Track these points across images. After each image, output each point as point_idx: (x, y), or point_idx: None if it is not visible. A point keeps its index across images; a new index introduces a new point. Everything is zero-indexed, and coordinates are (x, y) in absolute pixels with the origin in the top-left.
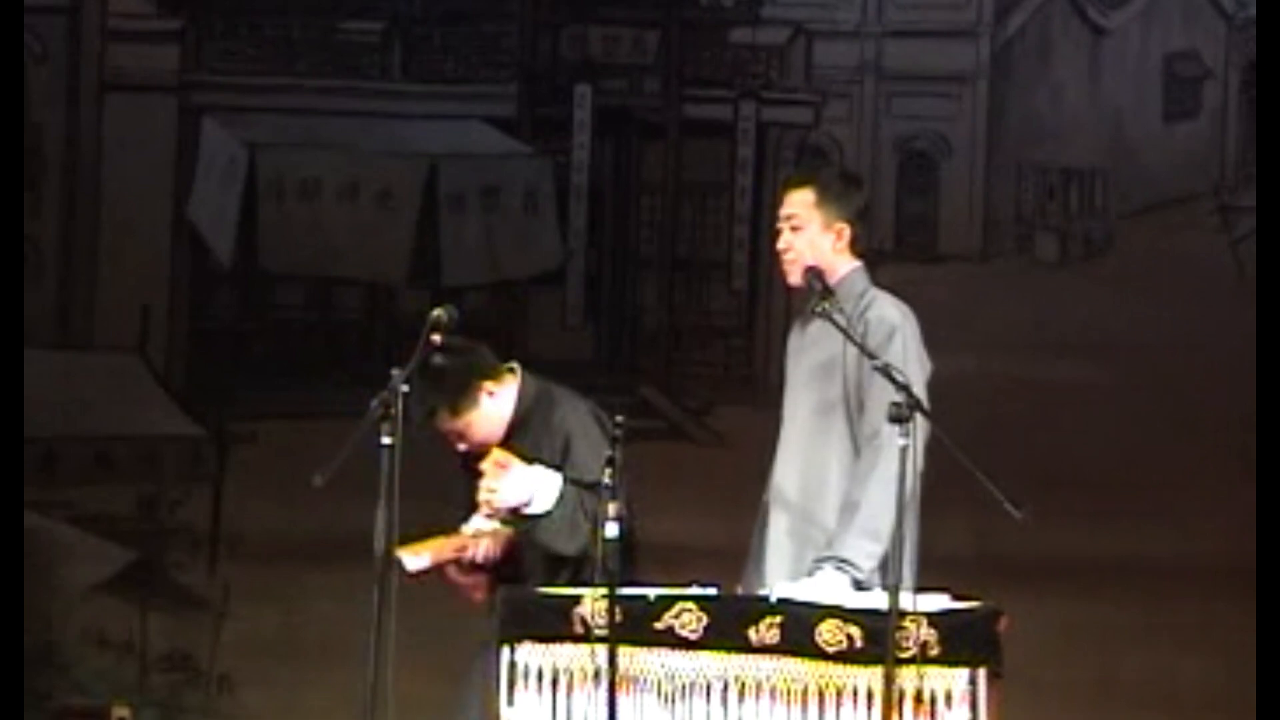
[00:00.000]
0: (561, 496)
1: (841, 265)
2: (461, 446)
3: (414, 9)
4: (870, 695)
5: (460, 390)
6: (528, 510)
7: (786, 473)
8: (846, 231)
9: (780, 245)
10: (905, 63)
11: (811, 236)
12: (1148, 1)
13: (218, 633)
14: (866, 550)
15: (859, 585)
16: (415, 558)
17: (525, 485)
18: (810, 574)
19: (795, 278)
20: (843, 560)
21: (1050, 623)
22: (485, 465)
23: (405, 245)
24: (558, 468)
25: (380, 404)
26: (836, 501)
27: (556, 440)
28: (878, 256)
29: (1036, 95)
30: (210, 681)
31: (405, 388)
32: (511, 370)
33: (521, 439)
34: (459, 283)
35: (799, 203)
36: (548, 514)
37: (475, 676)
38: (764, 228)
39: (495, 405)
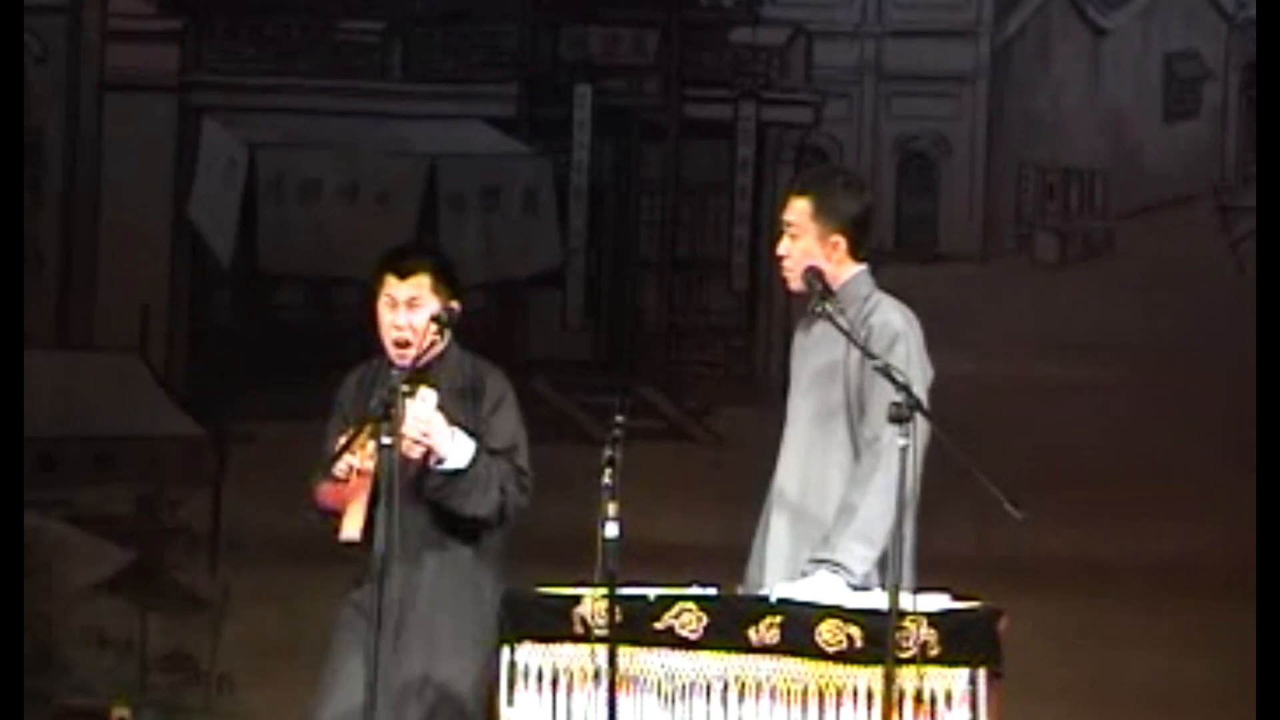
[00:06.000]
0: (475, 459)
1: (844, 271)
2: (396, 331)
3: (414, 9)
4: (870, 695)
5: (450, 269)
6: (440, 467)
7: (788, 474)
8: (843, 243)
9: (780, 251)
10: (905, 63)
11: (806, 245)
12: (1148, 1)
13: (218, 633)
14: (860, 555)
15: (855, 587)
16: (353, 527)
17: (448, 440)
18: (804, 575)
19: (793, 284)
20: (836, 564)
21: (1050, 623)
22: (420, 401)
23: None
24: (473, 430)
25: (380, 404)
26: (836, 504)
27: (485, 403)
28: (878, 256)
29: (1036, 95)
30: (210, 681)
31: (405, 387)
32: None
33: (442, 390)
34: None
35: (797, 211)
36: (460, 473)
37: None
38: (764, 228)
39: (441, 320)
